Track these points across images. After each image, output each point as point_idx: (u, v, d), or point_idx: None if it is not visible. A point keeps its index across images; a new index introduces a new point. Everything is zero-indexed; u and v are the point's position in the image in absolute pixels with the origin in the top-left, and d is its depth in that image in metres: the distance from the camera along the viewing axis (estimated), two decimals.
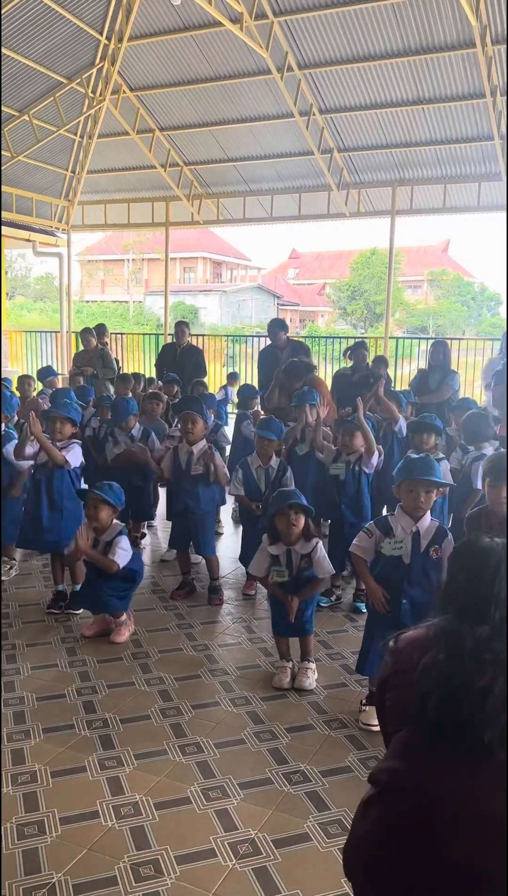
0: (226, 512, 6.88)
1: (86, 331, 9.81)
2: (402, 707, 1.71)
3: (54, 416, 4.91)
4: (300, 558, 3.85)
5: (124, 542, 4.31)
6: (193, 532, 5.09)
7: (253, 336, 17.67)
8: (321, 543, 3.93)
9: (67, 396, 5.71)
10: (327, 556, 3.93)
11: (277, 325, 7.51)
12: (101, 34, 10.64)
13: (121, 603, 4.35)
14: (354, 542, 3.62)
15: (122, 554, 4.25)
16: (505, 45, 9.26)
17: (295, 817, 2.81)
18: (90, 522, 4.30)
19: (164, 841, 2.67)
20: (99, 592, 4.28)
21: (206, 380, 8.67)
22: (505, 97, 9.98)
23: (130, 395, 6.98)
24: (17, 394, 7.44)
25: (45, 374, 8.70)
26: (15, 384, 7.97)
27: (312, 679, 3.84)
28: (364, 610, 4.71)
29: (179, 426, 5.60)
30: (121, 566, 4.23)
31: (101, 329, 10.10)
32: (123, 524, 4.51)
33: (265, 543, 3.94)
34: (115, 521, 4.40)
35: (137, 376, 8.42)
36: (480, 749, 1.53)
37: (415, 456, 3.72)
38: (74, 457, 4.79)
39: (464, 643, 1.66)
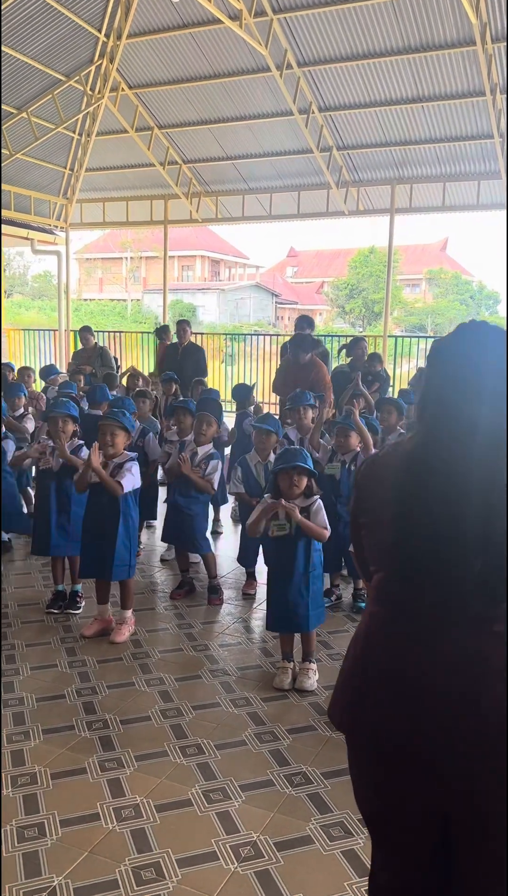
0: (225, 511, 6.86)
1: (85, 329, 9.78)
2: (374, 547, 1.66)
3: (55, 415, 4.79)
4: (299, 512, 3.81)
5: (133, 468, 4.32)
6: (183, 531, 5.05)
7: (251, 334, 17.66)
8: (320, 500, 3.88)
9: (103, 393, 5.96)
10: (324, 513, 3.88)
11: (304, 322, 7.67)
12: (99, 31, 10.60)
13: (126, 570, 4.37)
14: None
15: (128, 478, 4.26)
16: (505, 43, 9.24)
17: (297, 819, 2.80)
18: (105, 449, 4.30)
19: (165, 844, 2.65)
20: (105, 558, 4.27)
21: (206, 379, 8.61)
22: (505, 95, 9.96)
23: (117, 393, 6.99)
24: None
25: (48, 372, 8.65)
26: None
27: (313, 680, 3.82)
28: None
29: (176, 426, 5.58)
30: (125, 490, 4.23)
31: (165, 330, 9.67)
32: (136, 454, 4.50)
33: (266, 499, 3.90)
34: (126, 451, 4.43)
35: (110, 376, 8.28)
36: (453, 595, 1.48)
37: None
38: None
39: (432, 471, 1.48)
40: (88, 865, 2.54)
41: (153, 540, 6.39)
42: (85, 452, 4.62)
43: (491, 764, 1.47)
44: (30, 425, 6.32)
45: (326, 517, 3.88)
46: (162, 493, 6.63)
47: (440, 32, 9.47)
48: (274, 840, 2.68)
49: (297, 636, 3.98)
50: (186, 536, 5.05)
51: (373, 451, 4.95)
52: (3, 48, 9.76)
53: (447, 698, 1.49)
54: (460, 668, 1.49)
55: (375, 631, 1.63)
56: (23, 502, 6.01)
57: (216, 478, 4.99)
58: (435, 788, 1.54)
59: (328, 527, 3.89)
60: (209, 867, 2.54)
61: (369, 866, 2.53)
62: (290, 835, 2.71)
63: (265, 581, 5.11)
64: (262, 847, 2.64)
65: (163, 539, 5.27)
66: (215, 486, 5.01)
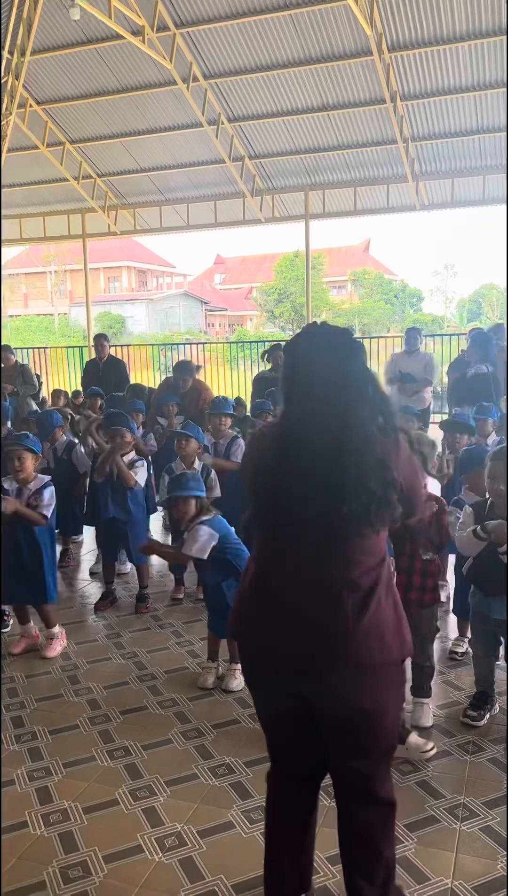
0: (156, 520, 6.93)
1: (4, 348, 9.68)
2: (254, 507, 2.07)
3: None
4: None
5: (48, 492, 4.33)
6: (124, 541, 5.16)
7: (183, 343, 17.74)
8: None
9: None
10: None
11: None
12: (2, 48, 10.54)
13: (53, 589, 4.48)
14: None
15: (51, 507, 4.32)
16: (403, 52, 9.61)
17: (223, 808, 2.91)
18: (17, 475, 4.30)
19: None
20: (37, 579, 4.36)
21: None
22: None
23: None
24: None
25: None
26: None
27: (240, 680, 3.90)
28: None
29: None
30: (49, 516, 4.31)
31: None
32: (49, 479, 4.43)
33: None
34: (39, 475, 4.42)
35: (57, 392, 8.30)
36: (307, 543, 1.93)
37: None
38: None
39: (289, 443, 1.94)
40: None
41: (80, 553, 6.42)
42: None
43: (337, 662, 1.95)
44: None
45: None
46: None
47: (338, 44, 9.78)
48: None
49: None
50: (126, 546, 5.18)
51: None
52: None
53: (299, 615, 1.97)
54: (308, 594, 1.97)
55: (254, 569, 2.11)
56: None
57: (141, 474, 5.10)
58: (296, 682, 2.01)
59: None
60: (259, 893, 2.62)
61: None
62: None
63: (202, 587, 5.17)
64: (186, 836, 2.75)
65: (105, 559, 5.35)
66: (141, 483, 5.12)
